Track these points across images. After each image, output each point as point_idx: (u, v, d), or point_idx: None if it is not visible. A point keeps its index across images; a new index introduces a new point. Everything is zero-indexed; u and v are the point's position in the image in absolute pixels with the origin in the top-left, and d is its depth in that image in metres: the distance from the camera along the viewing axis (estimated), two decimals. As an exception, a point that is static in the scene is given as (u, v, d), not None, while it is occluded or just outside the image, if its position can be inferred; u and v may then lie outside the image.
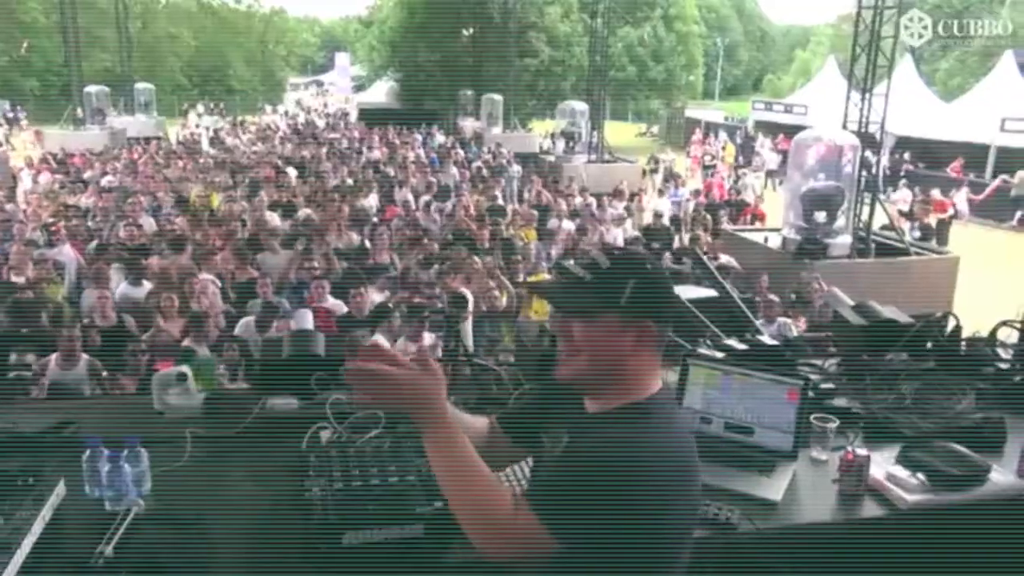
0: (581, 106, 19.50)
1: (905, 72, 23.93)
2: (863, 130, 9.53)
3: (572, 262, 1.56)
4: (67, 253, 8.24)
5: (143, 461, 1.94)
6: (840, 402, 2.49)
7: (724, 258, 9.88)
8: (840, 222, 9.42)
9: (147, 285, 7.26)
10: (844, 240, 9.28)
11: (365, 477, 1.86)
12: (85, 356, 6.06)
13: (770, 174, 22.47)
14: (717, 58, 49.56)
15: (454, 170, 16.06)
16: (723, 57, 53.46)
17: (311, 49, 62.58)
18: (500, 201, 13.96)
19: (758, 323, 2.91)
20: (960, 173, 20.58)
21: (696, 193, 17.09)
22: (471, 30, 31.94)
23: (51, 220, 9.95)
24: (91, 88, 23.45)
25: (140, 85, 27.71)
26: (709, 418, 2.29)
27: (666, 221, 13.28)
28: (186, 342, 5.99)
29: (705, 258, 8.91)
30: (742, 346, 2.59)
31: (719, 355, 2.51)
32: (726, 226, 11.94)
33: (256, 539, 1.83)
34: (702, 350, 2.54)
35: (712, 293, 3.19)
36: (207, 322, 6.12)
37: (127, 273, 7.47)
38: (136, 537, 1.73)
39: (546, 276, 8.46)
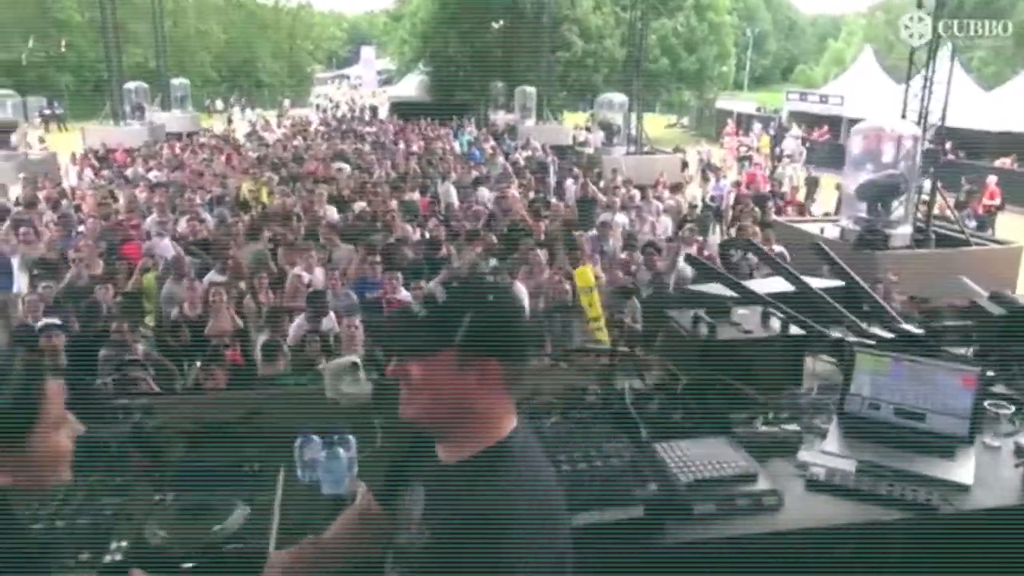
0: (620, 98, 19.45)
1: (944, 60, 23.64)
2: (923, 120, 9.44)
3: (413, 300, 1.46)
4: (165, 246, 8.35)
5: (352, 448, 2.01)
6: (998, 389, 2.52)
7: (778, 248, 9.87)
8: (899, 212, 9.36)
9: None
10: (905, 230, 9.21)
11: (573, 461, 1.92)
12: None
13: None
14: (746, 48, 49.07)
15: (501, 159, 16.10)
16: (752, 47, 52.93)
17: (337, 43, 62.79)
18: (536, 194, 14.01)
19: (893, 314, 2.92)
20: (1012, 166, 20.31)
21: (737, 184, 16.99)
22: (501, 22, 31.90)
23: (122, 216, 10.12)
24: (131, 84, 23.75)
25: (176, 80, 28.04)
26: (878, 404, 2.32)
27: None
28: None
29: (762, 248, 8.95)
30: (918, 331, 2.62)
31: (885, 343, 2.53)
32: (778, 217, 11.86)
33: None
34: (866, 337, 2.57)
35: (838, 283, 3.22)
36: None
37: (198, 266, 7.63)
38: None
39: (598, 270, 8.50)
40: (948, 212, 10.61)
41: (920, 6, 9.43)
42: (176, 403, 2.48)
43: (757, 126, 29.36)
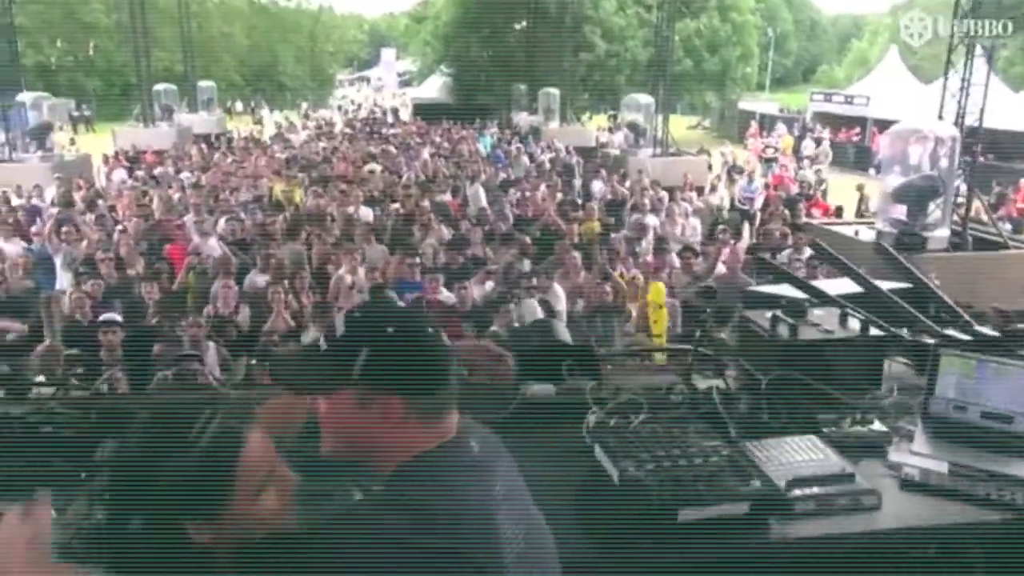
0: (647, 99, 19.45)
1: (978, 61, 23.43)
2: (960, 121, 9.39)
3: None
4: (212, 246, 8.47)
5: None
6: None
7: (808, 251, 9.83)
8: (935, 215, 9.31)
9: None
10: (942, 233, 9.16)
11: (673, 458, 1.95)
12: (212, 345, 6.31)
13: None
14: (768, 48, 48.83)
15: (525, 159, 16.14)
16: (773, 47, 52.67)
17: (357, 46, 63.22)
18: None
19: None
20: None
21: (766, 187, 16.93)
22: (524, 23, 31.96)
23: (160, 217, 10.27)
24: (160, 87, 24.10)
25: (203, 83, 28.39)
26: (964, 406, 2.33)
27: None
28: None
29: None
30: (994, 333, 2.63)
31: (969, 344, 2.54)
32: (811, 220, 11.82)
33: (572, 514, 1.92)
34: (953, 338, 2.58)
35: (906, 285, 3.23)
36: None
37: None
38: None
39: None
40: (983, 215, 10.55)
41: (957, 6, 9.37)
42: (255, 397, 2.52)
43: (781, 127, 29.21)
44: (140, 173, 16.08)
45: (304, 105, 43.54)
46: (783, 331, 2.57)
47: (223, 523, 1.23)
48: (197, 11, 40.72)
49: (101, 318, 6.39)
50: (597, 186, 15.00)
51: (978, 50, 9.89)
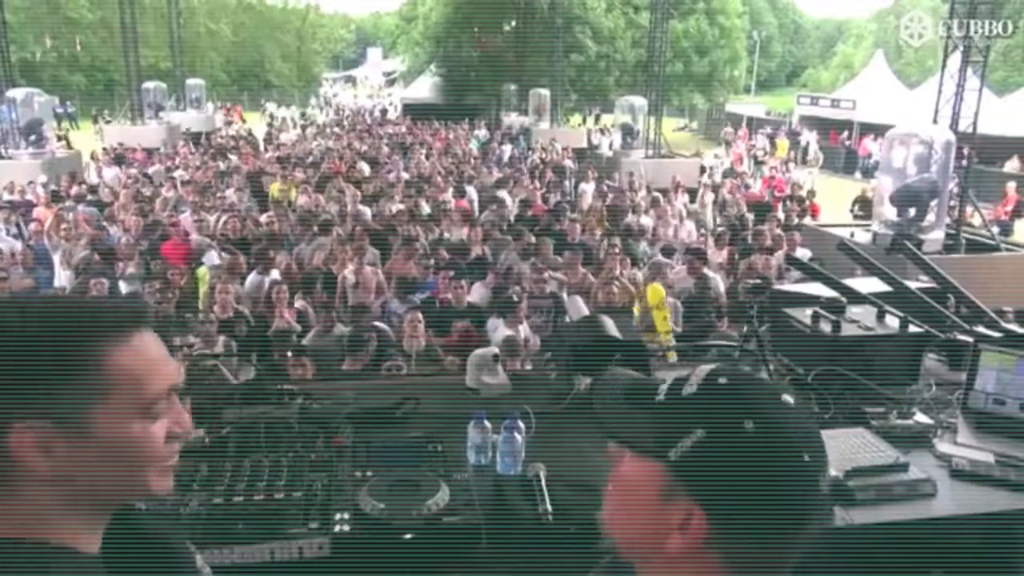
0: (640, 101, 19.58)
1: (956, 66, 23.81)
2: (954, 125, 9.58)
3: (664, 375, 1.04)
4: (211, 257, 8.41)
5: (522, 432, 2.11)
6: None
7: (800, 252, 9.98)
8: (930, 217, 9.48)
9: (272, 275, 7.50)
10: (937, 235, 9.34)
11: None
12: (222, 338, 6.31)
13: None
14: (753, 51, 49.26)
15: (508, 147, 16.14)
16: (758, 50, 53.14)
17: (343, 45, 63.03)
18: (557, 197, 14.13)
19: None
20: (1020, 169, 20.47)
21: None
22: (514, 23, 32.06)
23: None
24: (149, 84, 23.94)
25: (191, 81, 28.22)
26: (1003, 400, 2.43)
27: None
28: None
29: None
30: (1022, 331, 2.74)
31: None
32: (808, 221, 11.97)
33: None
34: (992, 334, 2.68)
35: (929, 284, 3.33)
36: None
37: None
38: (558, 498, 1.89)
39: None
40: (975, 218, 10.74)
41: (953, 8, 9.51)
42: (332, 389, 2.58)
43: (767, 129, 29.48)
44: (133, 171, 15.97)
45: (271, 106, 43.32)
46: (825, 327, 2.65)
47: (82, 445, 0.95)
48: (183, 7, 40.60)
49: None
50: (584, 188, 15.05)
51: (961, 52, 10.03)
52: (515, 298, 6.80)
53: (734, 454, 0.89)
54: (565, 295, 7.26)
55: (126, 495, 1.05)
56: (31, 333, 0.94)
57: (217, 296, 7.02)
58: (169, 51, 28.96)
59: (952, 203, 10.32)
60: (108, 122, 28.86)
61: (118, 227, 10.10)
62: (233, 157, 17.66)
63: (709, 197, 15.40)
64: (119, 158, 18.48)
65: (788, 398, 0.95)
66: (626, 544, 1.01)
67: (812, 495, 0.93)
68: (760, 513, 0.90)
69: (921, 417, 2.38)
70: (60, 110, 35.32)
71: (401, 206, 10.65)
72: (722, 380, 0.96)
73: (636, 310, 7.52)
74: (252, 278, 7.45)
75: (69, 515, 0.97)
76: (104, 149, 19.91)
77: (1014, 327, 2.88)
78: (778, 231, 11.38)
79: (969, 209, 10.34)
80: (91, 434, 0.95)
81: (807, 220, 12.83)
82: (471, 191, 13.75)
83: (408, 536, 1.70)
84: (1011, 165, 21.27)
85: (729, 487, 0.90)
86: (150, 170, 16.35)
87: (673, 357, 4.43)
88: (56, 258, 9.18)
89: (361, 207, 10.63)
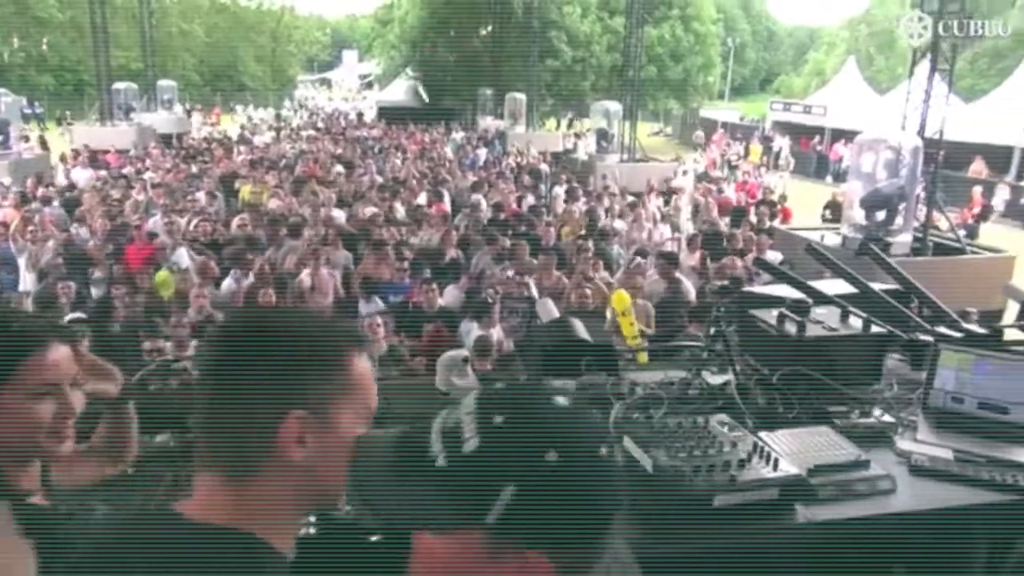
0: (615, 106, 19.72)
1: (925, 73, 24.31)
2: (922, 132, 9.76)
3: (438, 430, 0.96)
4: (180, 254, 8.33)
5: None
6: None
7: (770, 254, 10.10)
8: (898, 221, 9.64)
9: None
10: (905, 239, 9.51)
11: (703, 447, 2.05)
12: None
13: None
14: (727, 58, 49.83)
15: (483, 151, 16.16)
16: (732, 57, 53.75)
17: (318, 47, 62.78)
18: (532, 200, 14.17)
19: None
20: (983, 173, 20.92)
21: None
22: (490, 27, 32.12)
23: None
24: (119, 85, 23.62)
25: (163, 82, 27.89)
26: (961, 398, 2.48)
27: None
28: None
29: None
30: (982, 331, 2.79)
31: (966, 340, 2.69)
32: (779, 225, 12.12)
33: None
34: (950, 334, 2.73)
35: (895, 286, 3.38)
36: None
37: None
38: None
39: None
40: (941, 222, 10.94)
41: (923, 10, 9.66)
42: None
43: (739, 135, 29.83)
44: (104, 173, 15.75)
45: (239, 108, 43.01)
46: (790, 328, 2.69)
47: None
48: (155, 8, 40.19)
49: (67, 318, 6.28)
50: (557, 191, 15.11)
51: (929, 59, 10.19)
52: (489, 300, 6.82)
53: (551, 490, 0.88)
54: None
55: (339, 495, 1.18)
56: (297, 334, 1.07)
57: (192, 299, 6.96)
58: (140, 52, 28.59)
59: (920, 207, 10.50)
60: (71, 124, 28.48)
61: (86, 229, 9.96)
62: (205, 159, 17.47)
63: (684, 200, 15.57)
64: (94, 159, 18.23)
65: (561, 400, 0.95)
66: None
67: (616, 479, 0.95)
68: (590, 526, 0.92)
69: (883, 415, 2.42)
70: (28, 111, 34.85)
71: (375, 209, 10.61)
72: (498, 419, 0.91)
73: (609, 312, 7.58)
74: (228, 282, 7.38)
75: (291, 510, 1.11)
76: (74, 150, 19.65)
77: (974, 327, 2.94)
78: (749, 234, 11.57)
79: (936, 213, 10.54)
80: (335, 430, 1.07)
81: (778, 223, 13.01)
82: (445, 194, 13.75)
83: (375, 538, 1.69)
84: (974, 168, 21.71)
85: (559, 521, 0.89)
86: (126, 170, 16.15)
87: (644, 358, 4.48)
88: (21, 261, 9.05)
89: (335, 211, 10.57)
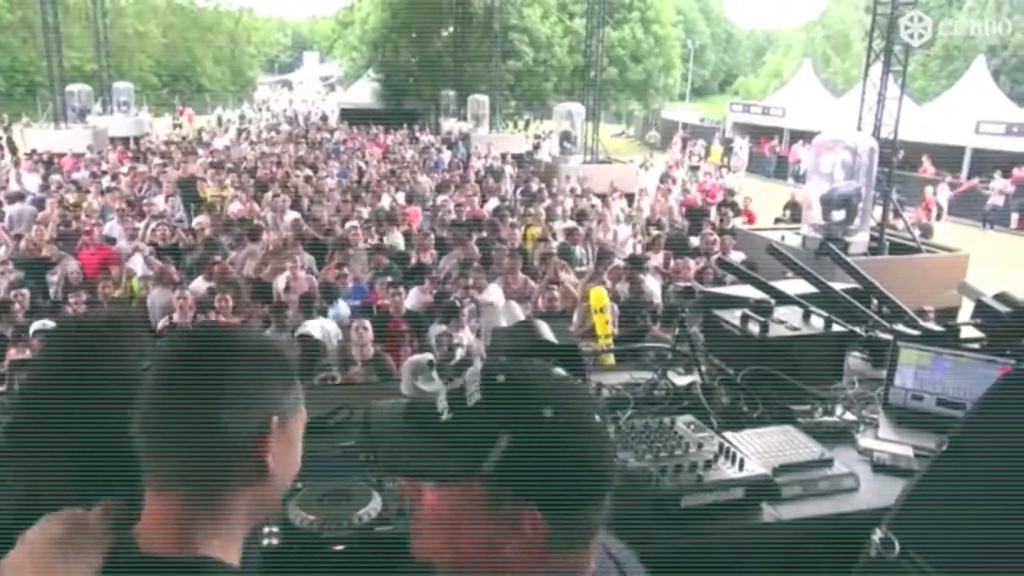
0: (578, 108, 19.81)
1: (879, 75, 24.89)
2: (877, 133, 9.97)
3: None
4: (136, 260, 8.16)
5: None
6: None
7: (734, 255, 10.23)
8: (856, 220, 9.82)
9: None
10: (862, 238, 9.69)
11: (669, 448, 2.06)
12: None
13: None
14: (687, 59, 50.40)
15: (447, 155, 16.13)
16: (692, 59, 54.37)
17: (279, 48, 62.04)
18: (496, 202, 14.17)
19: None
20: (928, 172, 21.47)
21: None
22: (451, 29, 32.10)
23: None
24: (74, 87, 23.07)
25: (119, 84, 27.31)
26: (921, 396, 2.52)
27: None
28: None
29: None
30: (939, 329, 2.84)
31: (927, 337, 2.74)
32: (741, 226, 12.27)
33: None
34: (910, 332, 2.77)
35: (853, 285, 3.44)
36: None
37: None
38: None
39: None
40: (898, 221, 11.18)
41: (874, 21, 9.87)
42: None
43: (694, 137, 30.19)
44: (57, 177, 15.35)
45: (221, 109, 42.37)
46: (754, 329, 2.72)
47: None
48: (109, 7, 39.35)
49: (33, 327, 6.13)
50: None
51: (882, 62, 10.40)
52: (457, 303, 6.80)
53: (545, 443, 0.93)
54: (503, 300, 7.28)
55: (277, 508, 1.24)
56: (262, 347, 1.11)
57: (175, 303, 6.85)
58: (95, 53, 27.98)
59: (876, 207, 10.71)
60: (7, 128, 27.75)
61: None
62: (162, 161, 17.15)
63: (646, 202, 15.69)
64: (48, 164, 17.76)
65: (559, 370, 1.03)
66: (454, 568, 1.00)
67: (611, 449, 1.02)
68: (583, 489, 0.96)
69: (845, 414, 2.45)
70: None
71: (337, 212, 10.52)
72: (500, 378, 0.98)
73: (576, 314, 7.59)
74: (195, 285, 7.27)
75: (247, 523, 1.09)
76: (26, 154, 19.13)
77: (932, 326, 3.00)
78: (713, 235, 11.70)
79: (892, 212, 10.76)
80: (294, 440, 1.13)
81: (740, 224, 13.19)
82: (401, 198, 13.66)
83: (339, 548, 1.67)
84: (923, 168, 22.27)
85: (552, 476, 0.93)
86: (76, 176, 15.77)
87: (611, 360, 4.50)
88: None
89: (292, 213, 10.45)
